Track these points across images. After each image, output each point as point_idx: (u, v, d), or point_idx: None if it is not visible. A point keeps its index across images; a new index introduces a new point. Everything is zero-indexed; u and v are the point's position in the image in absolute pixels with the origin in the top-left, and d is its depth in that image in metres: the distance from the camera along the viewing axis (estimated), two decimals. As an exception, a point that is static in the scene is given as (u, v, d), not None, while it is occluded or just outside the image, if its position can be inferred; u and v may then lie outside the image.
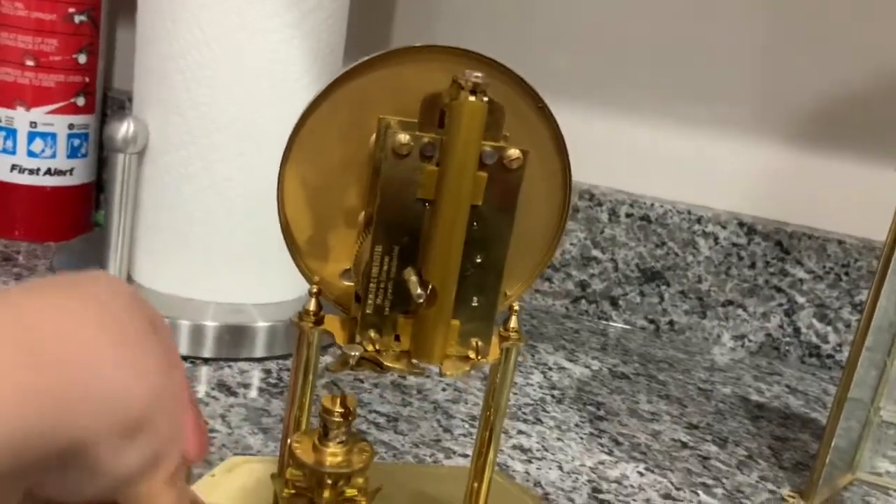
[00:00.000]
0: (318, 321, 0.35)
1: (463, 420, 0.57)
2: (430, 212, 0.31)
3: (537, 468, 0.52)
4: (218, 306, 0.61)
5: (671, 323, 0.79)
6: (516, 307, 0.36)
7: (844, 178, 0.76)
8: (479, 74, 0.30)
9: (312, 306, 0.35)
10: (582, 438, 0.57)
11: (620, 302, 0.79)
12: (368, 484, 0.36)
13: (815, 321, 0.76)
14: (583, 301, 0.80)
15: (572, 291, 0.79)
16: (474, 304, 0.33)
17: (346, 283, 0.36)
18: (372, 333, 0.33)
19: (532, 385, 0.64)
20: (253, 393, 0.56)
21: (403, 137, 0.31)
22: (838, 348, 0.77)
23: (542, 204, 0.38)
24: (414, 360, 0.33)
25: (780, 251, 0.76)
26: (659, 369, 0.71)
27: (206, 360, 0.59)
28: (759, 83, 0.76)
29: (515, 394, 0.62)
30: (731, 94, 0.77)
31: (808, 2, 0.74)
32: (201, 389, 0.55)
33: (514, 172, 0.32)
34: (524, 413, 0.59)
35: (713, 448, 0.59)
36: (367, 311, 0.33)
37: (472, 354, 0.33)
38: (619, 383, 0.67)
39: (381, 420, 0.55)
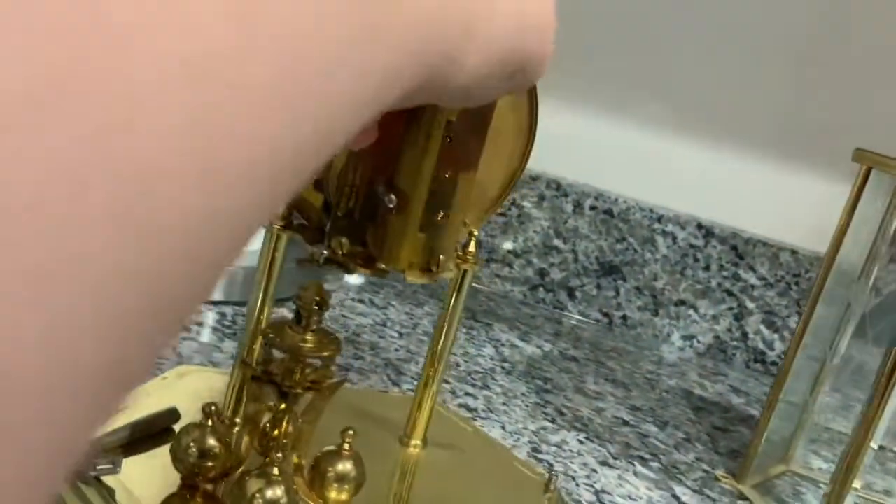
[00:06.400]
0: (287, 225, 0.35)
1: (412, 378, 0.57)
2: (408, 119, 0.32)
3: (480, 425, 0.53)
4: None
5: (624, 318, 0.80)
6: (475, 232, 0.37)
7: (803, 192, 0.79)
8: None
9: (283, 210, 0.36)
10: (527, 406, 0.58)
11: (577, 293, 0.80)
12: (333, 376, 0.37)
13: (762, 327, 0.79)
14: (540, 289, 0.81)
15: (531, 279, 0.81)
16: (439, 219, 0.34)
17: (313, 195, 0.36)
18: (343, 239, 0.34)
19: (483, 356, 0.65)
20: (206, 333, 0.56)
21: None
22: (783, 356, 0.79)
23: (507, 143, 0.39)
24: (380, 265, 0.34)
25: (735, 255, 0.78)
26: (608, 357, 0.72)
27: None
28: (730, 90, 0.79)
29: (466, 361, 0.63)
30: (701, 102, 0.79)
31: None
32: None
33: (490, 96, 0.34)
34: (473, 378, 0.60)
35: (653, 428, 0.60)
36: (339, 215, 0.34)
37: (433, 267, 0.34)
38: (569, 364, 0.68)
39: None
